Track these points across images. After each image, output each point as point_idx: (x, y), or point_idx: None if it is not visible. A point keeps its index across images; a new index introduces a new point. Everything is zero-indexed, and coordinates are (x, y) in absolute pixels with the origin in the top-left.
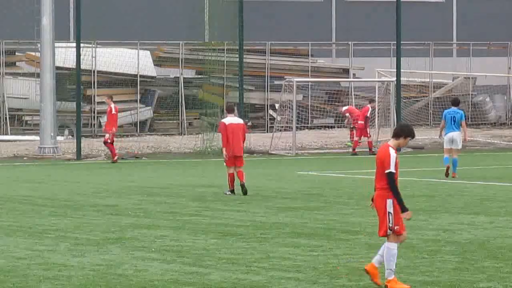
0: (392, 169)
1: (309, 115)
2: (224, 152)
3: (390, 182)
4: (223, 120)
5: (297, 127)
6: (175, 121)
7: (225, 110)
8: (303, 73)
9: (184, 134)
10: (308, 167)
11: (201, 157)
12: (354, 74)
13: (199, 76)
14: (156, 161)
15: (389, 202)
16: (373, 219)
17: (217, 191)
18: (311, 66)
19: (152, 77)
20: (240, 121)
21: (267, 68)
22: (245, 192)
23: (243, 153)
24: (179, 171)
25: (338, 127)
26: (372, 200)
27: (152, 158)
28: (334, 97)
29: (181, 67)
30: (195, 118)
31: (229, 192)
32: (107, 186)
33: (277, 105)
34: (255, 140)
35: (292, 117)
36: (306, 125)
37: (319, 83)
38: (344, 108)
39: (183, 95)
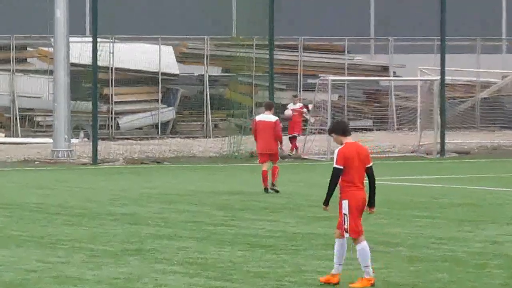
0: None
1: (345, 116)
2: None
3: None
4: (256, 117)
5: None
6: (199, 123)
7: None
8: (338, 71)
9: (209, 137)
10: None
11: (227, 162)
12: (394, 72)
13: (226, 74)
14: (178, 166)
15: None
16: (414, 230)
17: (244, 199)
18: (347, 64)
19: (175, 75)
20: (272, 119)
21: (300, 66)
22: (277, 191)
23: (276, 151)
24: (203, 177)
25: (376, 130)
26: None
27: (174, 163)
28: (372, 97)
29: (206, 64)
30: (221, 120)
31: (265, 191)
32: (125, 193)
33: (310, 106)
34: (286, 143)
35: (326, 118)
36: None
37: (356, 82)
38: (291, 110)
39: (208, 94)
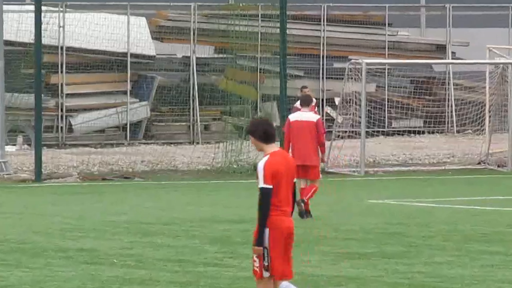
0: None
1: (386, 114)
2: None
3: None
4: (289, 115)
5: (367, 133)
6: (183, 124)
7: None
8: (376, 51)
9: (198, 143)
10: (384, 193)
11: (223, 177)
12: (453, 53)
13: (220, 56)
14: (155, 184)
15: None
16: (482, 271)
17: (247, 229)
18: (388, 41)
19: (150, 57)
20: (313, 117)
21: (323, 44)
22: (302, 213)
23: (317, 164)
24: (190, 199)
25: (429, 133)
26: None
27: (149, 179)
28: (423, 87)
29: (194, 42)
30: (214, 119)
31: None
32: (81, 220)
33: (337, 100)
34: None
35: (359, 117)
36: (381, 129)
37: (400, 66)
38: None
39: (196, 84)
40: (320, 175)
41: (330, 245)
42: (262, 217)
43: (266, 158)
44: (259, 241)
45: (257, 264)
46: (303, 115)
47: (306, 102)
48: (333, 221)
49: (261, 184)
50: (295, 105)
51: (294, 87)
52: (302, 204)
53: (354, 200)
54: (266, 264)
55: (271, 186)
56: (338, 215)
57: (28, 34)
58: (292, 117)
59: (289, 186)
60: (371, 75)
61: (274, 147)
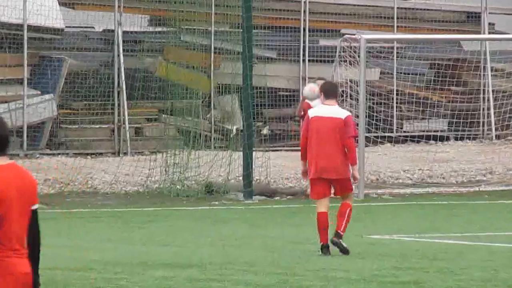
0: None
1: (395, 112)
2: (302, 168)
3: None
4: (309, 111)
5: (368, 139)
6: (105, 126)
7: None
8: (381, 22)
9: (125, 154)
10: (391, 225)
11: (162, 202)
12: (491, 25)
13: (158, 30)
14: (64, 212)
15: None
16: None
17: (196, 277)
18: (398, 9)
19: (56, 31)
20: (341, 113)
21: (305, 13)
22: (343, 249)
23: (346, 175)
24: (113, 233)
25: (457, 139)
26: None
27: (57, 206)
28: (448, 74)
29: (119, 9)
30: (149, 120)
31: (322, 251)
32: None
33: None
34: (279, 167)
35: (356, 117)
36: (387, 134)
37: (415, 44)
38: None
39: (122, 69)
40: (353, 188)
41: None
42: None
43: None
44: None
45: None
46: (327, 110)
47: (331, 92)
48: (319, 265)
49: None
50: (303, 97)
51: (263, 74)
52: (338, 239)
53: (349, 234)
54: None
55: None
56: (326, 256)
57: None
58: (313, 112)
59: (23, 216)
60: (373, 56)
61: (4, 159)
